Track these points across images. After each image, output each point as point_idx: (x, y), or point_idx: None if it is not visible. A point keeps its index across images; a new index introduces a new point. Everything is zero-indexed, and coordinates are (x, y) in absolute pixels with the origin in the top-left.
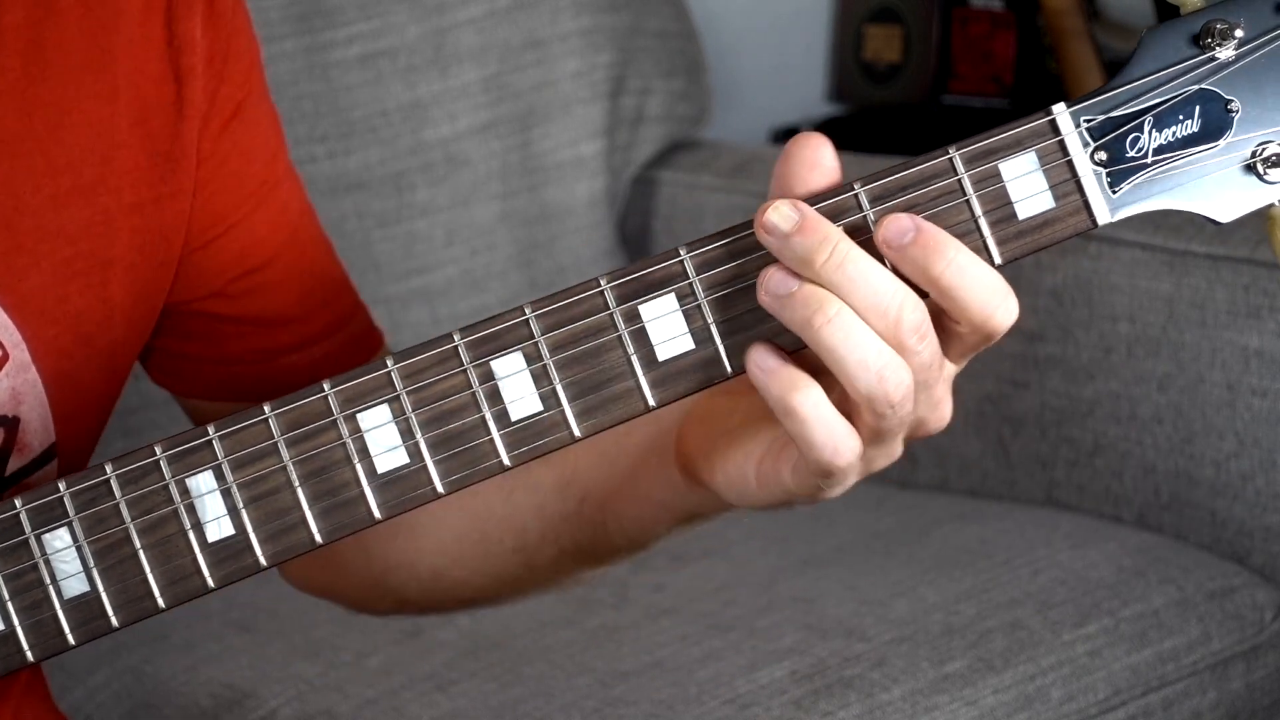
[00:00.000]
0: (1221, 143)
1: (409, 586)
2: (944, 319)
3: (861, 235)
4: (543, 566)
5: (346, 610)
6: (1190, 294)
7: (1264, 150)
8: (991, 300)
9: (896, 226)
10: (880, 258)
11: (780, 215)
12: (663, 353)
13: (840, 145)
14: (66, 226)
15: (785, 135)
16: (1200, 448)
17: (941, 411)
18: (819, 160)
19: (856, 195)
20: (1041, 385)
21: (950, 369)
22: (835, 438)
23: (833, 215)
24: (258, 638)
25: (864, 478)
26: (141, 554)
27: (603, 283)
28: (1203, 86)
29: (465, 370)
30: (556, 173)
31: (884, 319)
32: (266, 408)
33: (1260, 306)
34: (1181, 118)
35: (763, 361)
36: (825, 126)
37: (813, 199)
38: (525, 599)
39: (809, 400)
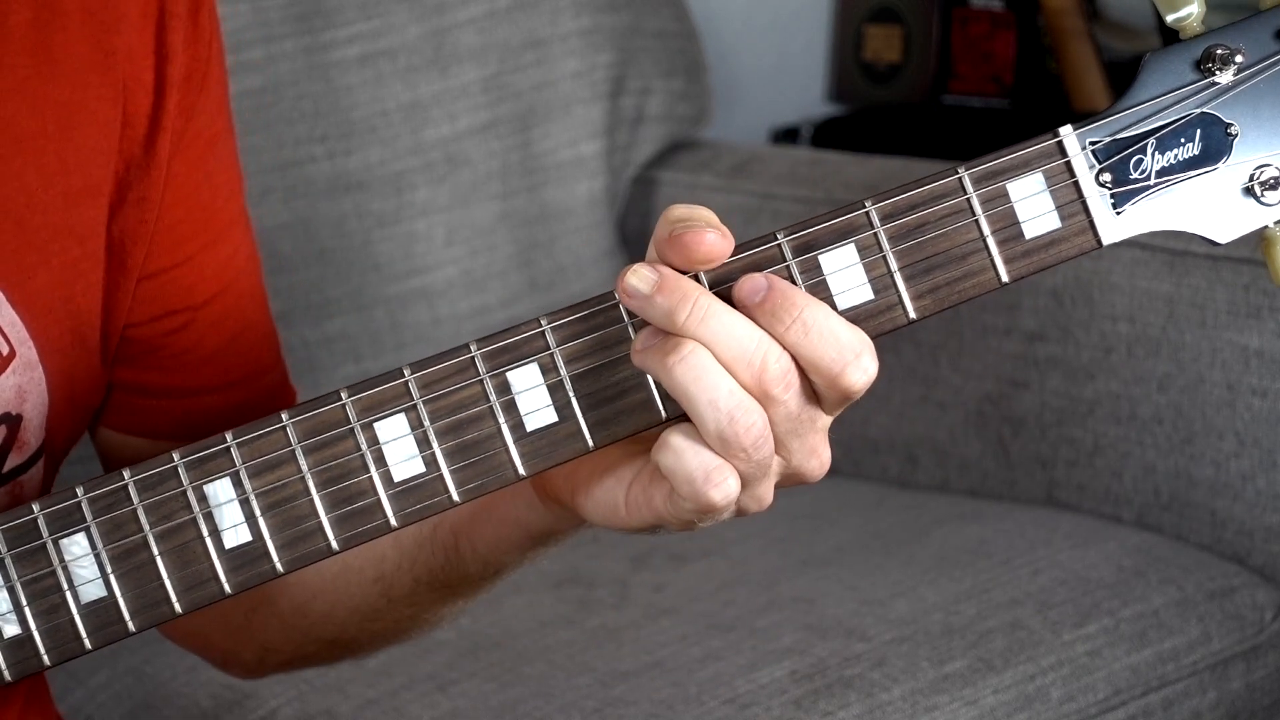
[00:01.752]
0: (1221, 165)
1: (270, 626)
2: (804, 372)
3: (874, 254)
4: (401, 599)
5: (213, 666)
6: (1190, 294)
7: (1261, 173)
8: (841, 358)
9: (749, 286)
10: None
11: (639, 278)
12: None
13: (840, 145)
14: (76, 226)
15: (785, 135)
16: (1200, 448)
17: (817, 460)
18: (708, 254)
19: (868, 213)
20: (1041, 385)
21: (824, 420)
22: (707, 468)
23: (843, 232)
24: None
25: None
26: (159, 560)
27: (619, 295)
28: (1204, 110)
29: (482, 380)
30: (556, 173)
31: (749, 369)
32: (284, 415)
33: (1260, 306)
34: (1183, 140)
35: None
36: (825, 126)
37: (824, 216)
38: (385, 640)
39: (679, 429)
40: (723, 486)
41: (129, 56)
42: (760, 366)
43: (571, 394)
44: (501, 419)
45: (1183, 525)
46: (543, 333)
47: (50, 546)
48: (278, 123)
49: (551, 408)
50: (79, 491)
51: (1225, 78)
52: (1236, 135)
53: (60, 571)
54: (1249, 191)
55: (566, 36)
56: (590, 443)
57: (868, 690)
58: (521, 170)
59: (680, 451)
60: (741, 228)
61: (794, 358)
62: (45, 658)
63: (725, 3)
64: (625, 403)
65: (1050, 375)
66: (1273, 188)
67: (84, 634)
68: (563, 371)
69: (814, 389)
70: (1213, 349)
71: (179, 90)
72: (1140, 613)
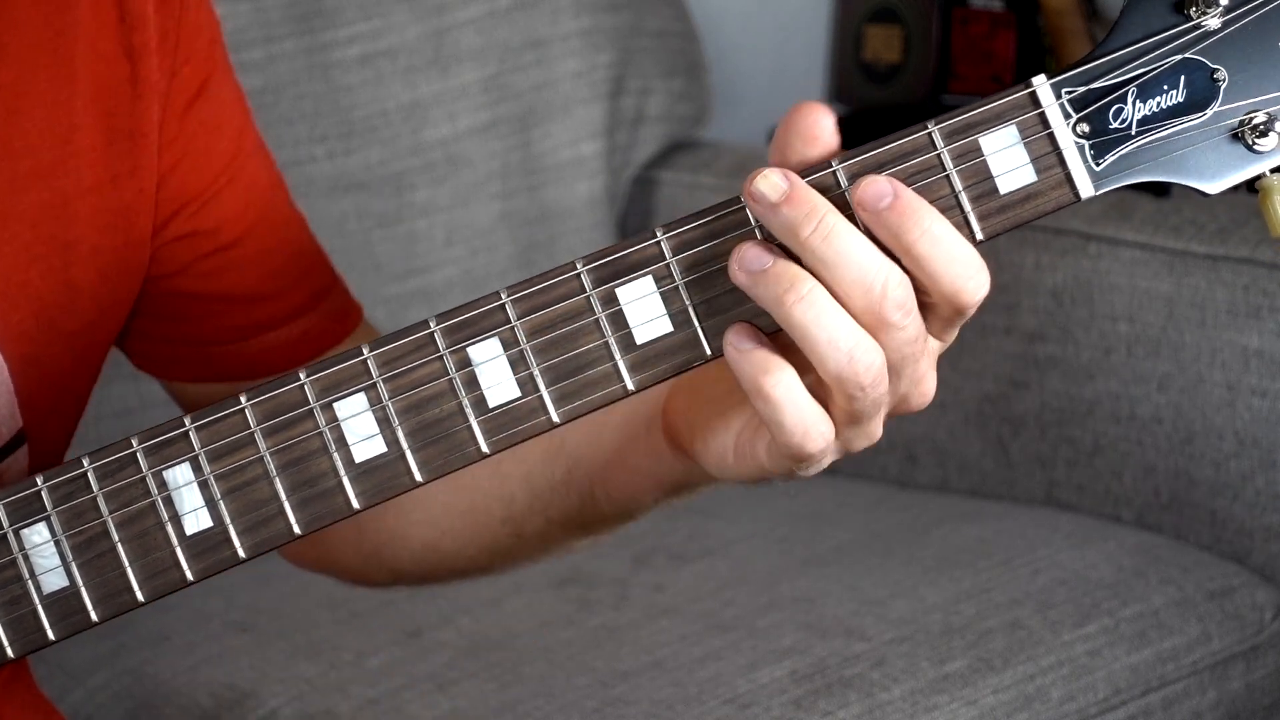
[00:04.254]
0: (1208, 112)
1: (402, 558)
2: (917, 292)
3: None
4: (531, 536)
5: (342, 582)
6: (1190, 294)
7: (1251, 119)
8: (964, 273)
9: (874, 190)
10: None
11: (769, 184)
12: (641, 336)
13: (840, 145)
14: (26, 211)
15: None
16: (1200, 448)
17: (924, 387)
18: (818, 134)
19: (835, 173)
20: (1041, 385)
21: (934, 344)
22: (806, 423)
23: None
24: (258, 638)
25: (842, 457)
26: (120, 548)
27: (579, 266)
28: (1187, 56)
29: (442, 357)
30: (556, 173)
31: (869, 295)
32: (243, 398)
33: (1260, 306)
34: (1166, 88)
35: (738, 342)
36: None
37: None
38: (518, 567)
39: (780, 383)
40: (821, 439)
41: (84, 32)
42: (881, 292)
43: (533, 368)
44: (462, 395)
45: (1182, 525)
46: (503, 305)
47: (11, 536)
48: (278, 123)
49: (513, 382)
50: (38, 480)
51: (1210, 22)
52: (1223, 81)
53: (21, 562)
54: (1238, 138)
55: (566, 36)
56: (554, 418)
57: (868, 690)
58: (521, 170)
59: (777, 404)
60: None
61: (913, 275)
62: (8, 649)
63: (725, 3)
64: (588, 375)
65: (1050, 375)
66: (1264, 134)
67: (46, 625)
68: (524, 345)
69: (922, 310)
70: (1213, 349)
71: (155, 54)
72: (1140, 613)
